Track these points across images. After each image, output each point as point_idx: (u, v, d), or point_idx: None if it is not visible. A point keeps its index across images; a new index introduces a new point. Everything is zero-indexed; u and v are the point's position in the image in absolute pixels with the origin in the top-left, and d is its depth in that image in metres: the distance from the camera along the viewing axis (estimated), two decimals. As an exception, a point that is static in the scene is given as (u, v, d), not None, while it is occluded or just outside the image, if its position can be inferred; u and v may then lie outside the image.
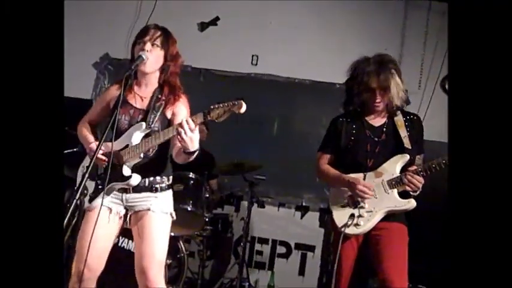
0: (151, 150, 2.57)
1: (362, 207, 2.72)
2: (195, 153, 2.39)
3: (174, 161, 2.63)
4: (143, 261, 2.51)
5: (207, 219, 4.08)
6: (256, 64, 5.38)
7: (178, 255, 3.98)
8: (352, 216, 2.71)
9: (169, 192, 2.69)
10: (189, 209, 3.86)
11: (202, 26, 5.39)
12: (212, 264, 4.95)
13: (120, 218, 2.64)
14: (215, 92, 5.19)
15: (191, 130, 2.27)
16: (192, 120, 2.29)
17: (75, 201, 2.06)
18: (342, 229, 2.69)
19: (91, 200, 2.53)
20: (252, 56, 5.38)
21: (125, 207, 2.64)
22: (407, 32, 5.20)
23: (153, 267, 2.51)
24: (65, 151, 3.80)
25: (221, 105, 2.27)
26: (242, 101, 2.25)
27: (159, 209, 2.59)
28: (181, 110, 2.62)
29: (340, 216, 2.77)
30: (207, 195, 4.09)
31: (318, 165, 2.95)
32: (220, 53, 5.36)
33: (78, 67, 5.14)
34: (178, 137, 2.29)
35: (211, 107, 2.29)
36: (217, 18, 5.39)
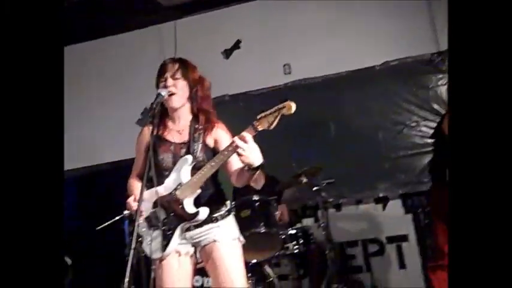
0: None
1: None
2: (259, 168, 2.29)
3: (235, 189, 2.56)
4: None
5: (283, 237, 3.93)
6: (289, 72, 5.31)
7: (267, 281, 3.86)
8: None
9: (231, 217, 2.62)
10: (262, 230, 3.76)
11: (227, 53, 5.41)
12: (309, 281, 4.77)
13: (191, 256, 2.58)
14: (257, 112, 5.13)
15: (247, 142, 2.21)
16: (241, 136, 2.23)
17: (131, 251, 2.03)
18: None
19: (164, 249, 2.48)
20: (284, 65, 5.30)
21: (192, 245, 2.58)
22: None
23: None
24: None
25: (268, 112, 2.21)
26: (289, 101, 2.19)
27: (225, 237, 2.52)
28: (222, 135, 2.57)
29: None
30: (277, 213, 3.96)
31: None
32: (251, 73, 5.35)
33: (124, 129, 5.23)
34: (240, 157, 2.23)
35: (258, 117, 2.23)
36: (238, 42, 5.39)
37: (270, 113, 2.21)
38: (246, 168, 2.30)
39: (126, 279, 2.03)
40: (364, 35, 5.07)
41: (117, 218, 4.24)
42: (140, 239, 2.44)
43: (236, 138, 2.23)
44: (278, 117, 2.20)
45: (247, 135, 2.22)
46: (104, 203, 4.77)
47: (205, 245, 2.52)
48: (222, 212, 2.55)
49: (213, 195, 2.57)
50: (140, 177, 2.74)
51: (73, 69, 5.75)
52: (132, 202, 2.48)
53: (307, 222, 4.99)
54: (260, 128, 2.23)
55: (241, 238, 2.59)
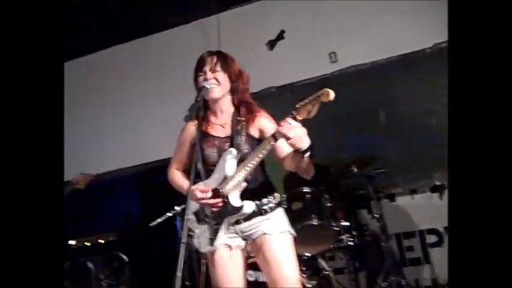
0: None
1: None
2: (311, 150, 2.25)
3: (285, 182, 2.52)
4: (277, 286, 2.39)
5: (337, 229, 3.84)
6: (336, 61, 5.18)
7: (321, 274, 3.78)
8: None
9: (281, 210, 2.57)
10: (315, 223, 3.69)
11: (271, 44, 5.32)
12: (366, 275, 4.65)
13: (242, 250, 2.57)
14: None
15: (293, 126, 2.18)
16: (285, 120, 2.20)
17: (182, 246, 2.03)
18: None
19: (212, 243, 2.46)
20: (330, 54, 5.18)
21: (243, 238, 2.56)
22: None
23: None
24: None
25: (307, 100, 2.17)
26: (327, 88, 2.14)
27: (275, 230, 2.48)
28: (266, 123, 2.54)
29: None
30: (329, 204, 3.87)
31: None
32: (297, 63, 5.24)
33: (173, 126, 5.22)
34: (288, 141, 2.20)
35: (297, 106, 2.18)
36: (282, 32, 5.30)
37: (309, 101, 2.16)
38: (296, 151, 2.27)
39: (179, 273, 2.02)
40: (413, 17, 4.86)
41: (169, 214, 4.29)
42: (192, 233, 2.43)
43: (281, 127, 2.21)
44: (317, 106, 2.16)
45: (292, 121, 2.19)
46: (157, 200, 4.84)
47: (255, 238, 2.50)
48: (271, 205, 2.51)
49: (261, 188, 2.54)
50: (181, 171, 2.74)
51: (124, 67, 5.87)
52: (197, 191, 2.41)
53: (361, 213, 4.86)
54: (299, 118, 2.20)
55: (292, 231, 2.55)
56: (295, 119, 2.20)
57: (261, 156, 2.34)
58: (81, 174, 4.21)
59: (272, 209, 2.51)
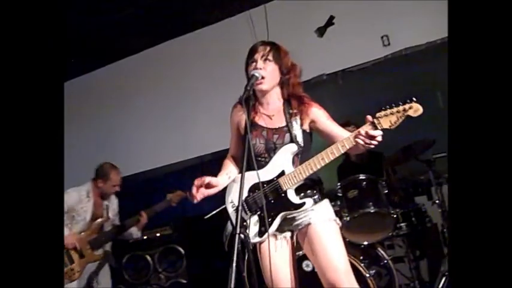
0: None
1: None
2: None
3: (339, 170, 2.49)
4: (328, 276, 2.37)
5: (395, 216, 3.71)
6: (388, 44, 5.01)
7: (381, 263, 3.68)
8: None
9: (326, 201, 2.55)
10: (372, 210, 3.58)
11: (321, 31, 5.20)
12: (427, 263, 4.49)
13: (288, 241, 2.55)
14: (359, 90, 4.92)
15: (373, 139, 2.16)
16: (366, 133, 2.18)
17: (236, 236, 2.00)
18: None
19: (261, 234, 2.43)
20: (382, 37, 5.01)
21: (289, 230, 2.54)
22: None
23: (341, 278, 2.34)
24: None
25: (393, 110, 2.14)
26: (415, 103, 2.12)
27: (321, 219, 2.45)
28: (318, 114, 2.49)
29: None
30: (387, 191, 3.74)
31: None
32: (348, 49, 5.10)
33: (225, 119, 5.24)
34: (361, 146, 2.21)
35: (378, 115, 2.16)
36: (332, 18, 5.17)
37: (395, 113, 2.11)
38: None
39: (234, 264, 1.99)
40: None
41: (223, 206, 4.29)
42: (244, 223, 2.41)
43: (360, 135, 2.19)
44: (402, 118, 2.13)
45: (378, 132, 2.16)
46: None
47: (301, 228, 2.48)
48: (316, 197, 2.49)
49: (309, 181, 2.50)
50: (234, 156, 2.73)
51: (173, 63, 5.92)
52: (213, 180, 2.50)
53: (420, 200, 4.67)
54: (380, 127, 2.16)
55: (338, 221, 2.51)
56: (375, 127, 2.16)
57: (327, 158, 2.32)
58: (170, 193, 4.45)
59: (316, 201, 2.48)
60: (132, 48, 5.99)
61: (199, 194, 2.48)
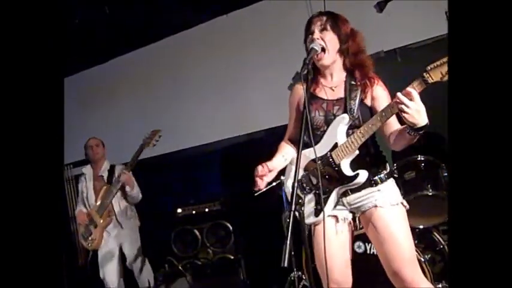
0: None
1: None
2: (423, 130, 2.07)
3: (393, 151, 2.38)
4: (392, 263, 2.25)
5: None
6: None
7: (437, 248, 3.54)
8: None
9: (392, 181, 2.40)
10: (430, 193, 3.44)
11: (380, 6, 4.97)
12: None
13: (349, 223, 2.45)
14: (419, 68, 4.69)
15: (413, 99, 1.98)
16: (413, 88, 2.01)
17: (291, 213, 1.91)
18: None
19: (317, 213, 2.35)
20: (446, 12, 4.71)
21: (350, 211, 2.44)
22: None
23: (406, 266, 2.23)
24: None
25: (441, 61, 1.96)
26: None
27: (387, 202, 2.32)
28: (380, 93, 2.37)
29: None
30: (446, 174, 3.57)
31: None
32: (408, 25, 4.86)
33: (277, 95, 5.14)
34: (403, 114, 2.01)
35: (428, 67, 1.98)
36: (393, -8, 4.93)
37: (444, 63, 1.93)
38: (408, 129, 2.08)
39: (288, 242, 1.91)
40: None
41: (274, 184, 4.23)
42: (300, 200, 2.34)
43: (400, 95, 2.01)
44: None
45: (413, 91, 1.98)
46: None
47: (365, 211, 2.36)
48: (382, 176, 2.35)
49: (371, 157, 2.39)
50: (291, 139, 2.65)
51: (226, 39, 5.85)
52: (268, 164, 2.44)
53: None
54: (431, 80, 1.98)
55: (405, 203, 2.37)
56: (426, 82, 1.99)
57: (374, 127, 2.18)
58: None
59: (383, 180, 2.35)
60: (188, 24, 5.96)
61: (264, 182, 2.43)
